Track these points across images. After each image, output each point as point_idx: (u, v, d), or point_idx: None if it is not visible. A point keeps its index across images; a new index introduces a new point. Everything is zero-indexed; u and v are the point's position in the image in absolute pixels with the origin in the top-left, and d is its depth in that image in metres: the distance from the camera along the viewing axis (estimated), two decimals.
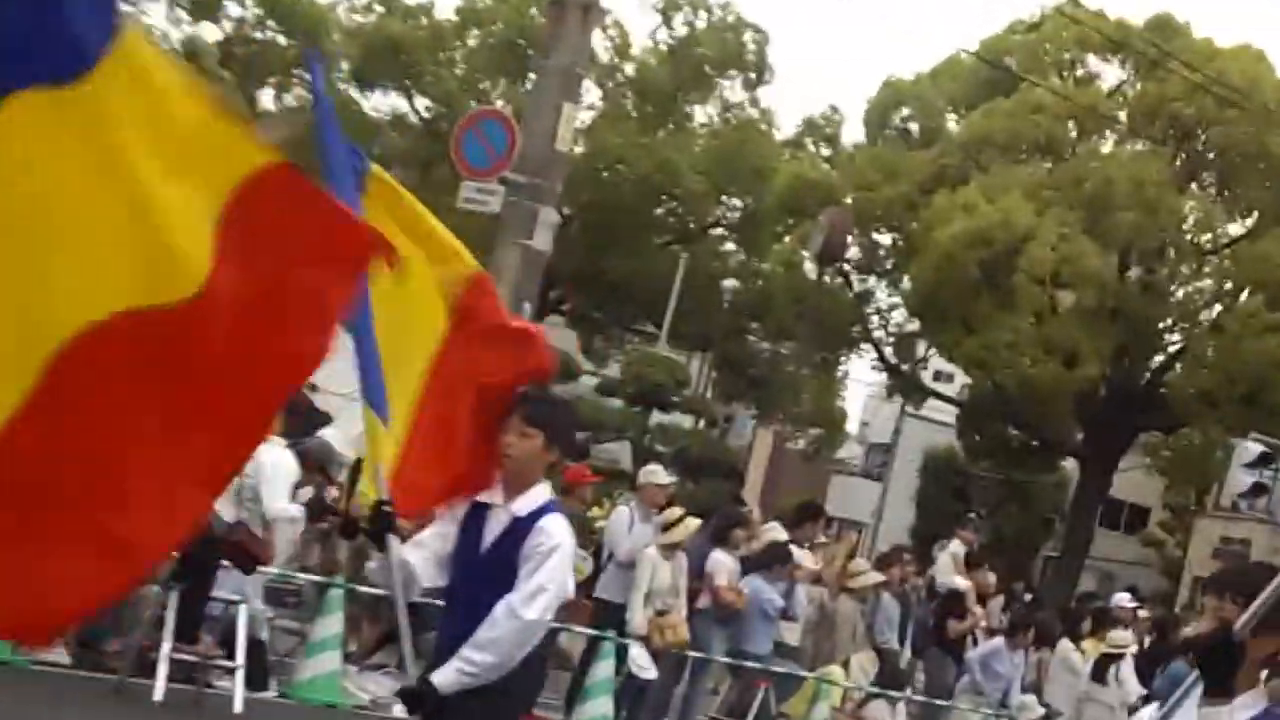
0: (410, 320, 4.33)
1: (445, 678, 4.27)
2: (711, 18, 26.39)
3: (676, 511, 11.02)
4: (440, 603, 4.68)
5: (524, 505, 4.38)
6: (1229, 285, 25.29)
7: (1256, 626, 2.84)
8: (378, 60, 26.77)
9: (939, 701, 11.43)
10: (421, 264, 4.27)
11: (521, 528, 4.39)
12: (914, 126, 28.18)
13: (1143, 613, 14.94)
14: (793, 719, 10.75)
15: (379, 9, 26.18)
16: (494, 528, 4.43)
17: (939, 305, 24.96)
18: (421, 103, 27.90)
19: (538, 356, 4.56)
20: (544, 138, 13.80)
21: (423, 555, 4.42)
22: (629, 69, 28.95)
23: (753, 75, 28.81)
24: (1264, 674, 3.13)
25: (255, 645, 9.21)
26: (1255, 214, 25.60)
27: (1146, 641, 13.66)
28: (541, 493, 4.48)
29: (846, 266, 27.47)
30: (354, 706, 10.03)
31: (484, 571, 4.50)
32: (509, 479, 4.40)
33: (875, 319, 28.64)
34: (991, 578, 13.15)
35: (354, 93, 27.31)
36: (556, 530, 4.39)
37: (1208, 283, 26.15)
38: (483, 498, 4.43)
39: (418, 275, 4.23)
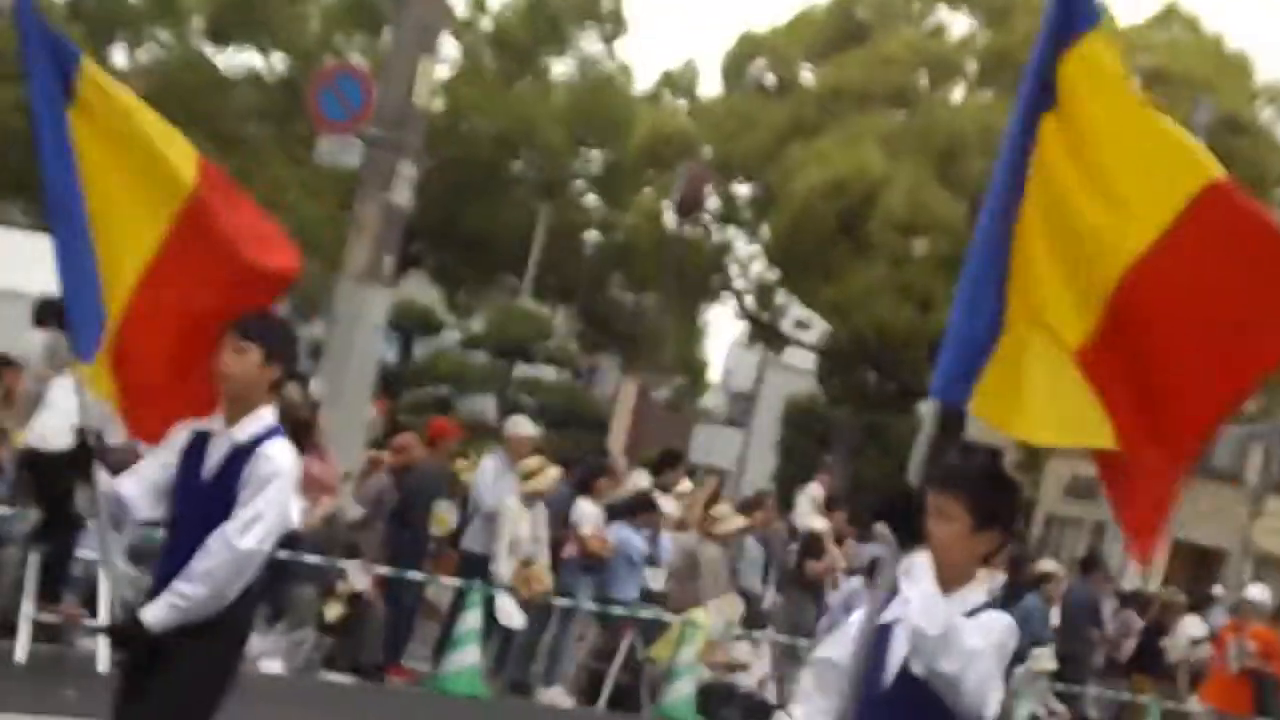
0: (121, 230, 4.09)
1: (155, 614, 4.15)
2: None
3: (535, 461, 11.16)
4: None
5: (245, 430, 4.25)
6: None
7: (979, 524, 3.09)
8: (232, 16, 26.22)
9: (801, 641, 11.72)
10: (130, 173, 4.00)
11: (242, 454, 4.27)
12: (770, 78, 28.40)
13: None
14: (659, 663, 11.00)
15: None
16: (214, 455, 4.29)
17: (798, 254, 25.65)
18: (278, 58, 27.24)
19: (268, 273, 4.16)
20: (401, 92, 13.77)
21: (140, 486, 4.27)
22: (486, 23, 28.77)
23: (609, 27, 28.53)
24: (981, 570, 3.38)
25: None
26: None
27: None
28: (264, 416, 4.36)
29: (706, 217, 27.98)
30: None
31: (205, 502, 4.33)
32: (229, 402, 4.28)
33: (735, 269, 29.22)
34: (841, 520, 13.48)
35: (209, 49, 26.88)
36: (278, 455, 4.28)
37: None
38: (203, 425, 4.32)
39: (125, 187, 4.03)
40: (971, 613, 3.16)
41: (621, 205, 29.34)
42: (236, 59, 27.72)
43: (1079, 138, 2.97)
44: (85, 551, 9.15)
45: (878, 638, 3.25)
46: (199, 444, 4.26)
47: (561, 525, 11.47)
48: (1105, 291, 2.91)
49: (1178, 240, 2.85)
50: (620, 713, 11.50)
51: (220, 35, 26.91)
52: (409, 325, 24.62)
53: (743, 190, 29.40)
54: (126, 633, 4.22)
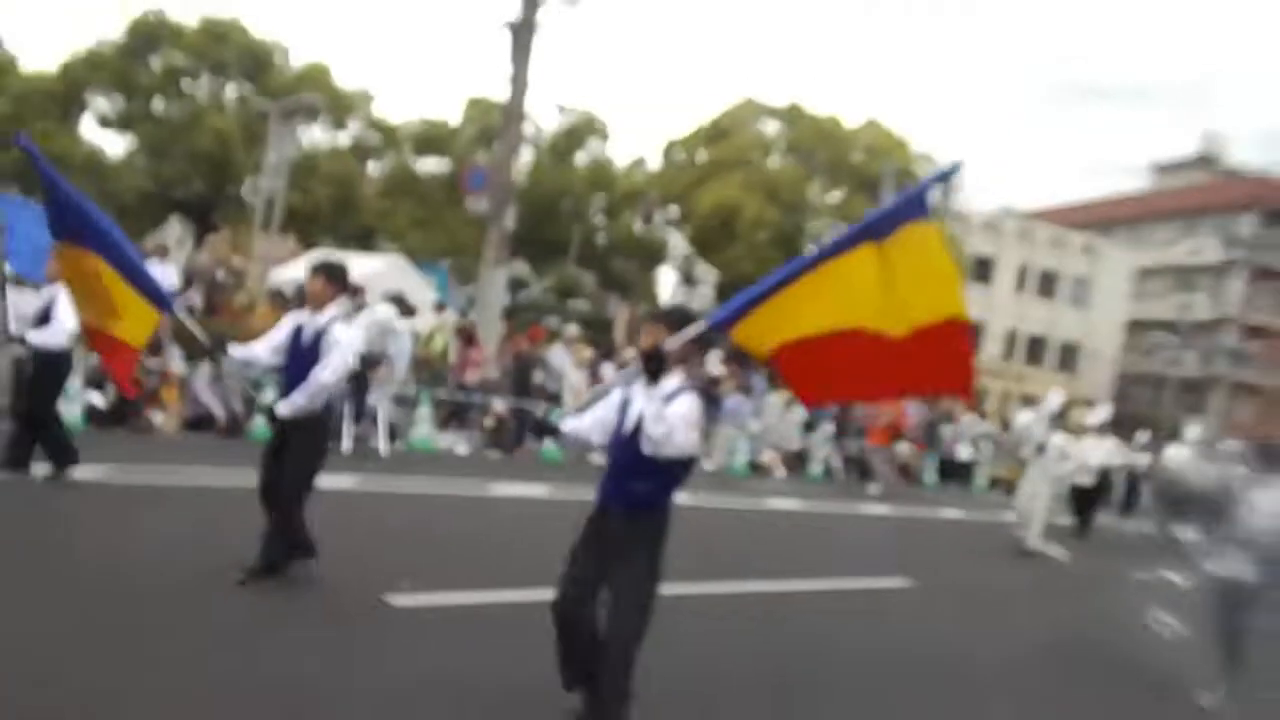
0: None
1: (282, 409, 6.23)
2: None
3: (583, 346, 17.43)
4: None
5: (321, 320, 6.25)
6: None
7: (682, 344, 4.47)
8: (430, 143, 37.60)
9: None
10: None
11: (321, 331, 6.25)
12: (684, 155, 40.56)
13: None
14: None
15: None
16: (308, 331, 6.29)
17: (702, 239, 38.34)
18: (445, 161, 37.85)
19: None
20: (506, 174, 18.89)
21: (266, 350, 6.40)
22: (543, 138, 39.21)
23: (603, 134, 39.47)
24: (678, 370, 4.59)
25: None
26: None
27: None
28: (330, 310, 6.32)
29: (655, 223, 41.01)
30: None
31: (304, 355, 6.26)
32: (312, 305, 6.38)
33: (670, 247, 40.70)
34: None
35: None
36: (340, 333, 6.24)
37: None
38: (299, 317, 6.38)
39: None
40: (670, 395, 4.46)
41: (617, 220, 40.27)
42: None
43: (896, 259, 4.24)
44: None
45: (622, 406, 4.69)
46: (299, 327, 6.31)
47: (595, 380, 15.35)
48: (835, 327, 4.33)
49: (925, 332, 4.28)
50: None
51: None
52: (514, 284, 31.44)
53: (673, 210, 40.25)
54: (272, 413, 6.30)
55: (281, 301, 14.85)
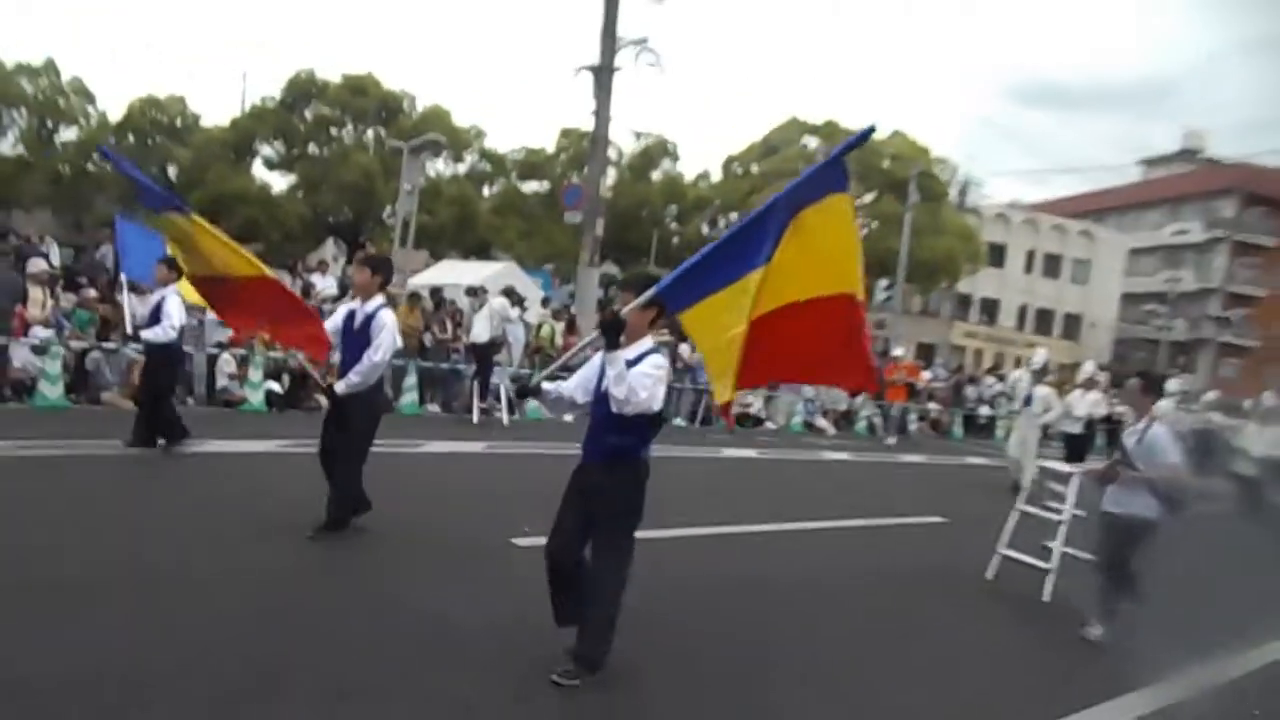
0: None
1: (339, 387, 6.07)
2: None
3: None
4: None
5: (369, 306, 6.00)
6: None
7: (642, 304, 4.14)
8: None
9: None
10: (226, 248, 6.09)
11: (370, 316, 6.03)
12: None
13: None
14: None
15: None
16: (359, 317, 6.03)
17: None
18: (542, 185, 38.06)
19: None
20: (595, 190, 18.80)
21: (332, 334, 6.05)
22: (623, 160, 38.96)
23: (673, 155, 39.66)
24: (649, 333, 4.27)
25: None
26: None
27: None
28: (378, 299, 6.09)
29: None
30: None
31: (356, 338, 6.02)
32: (361, 294, 6.08)
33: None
34: None
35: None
36: (387, 317, 5.97)
37: None
38: (353, 305, 6.10)
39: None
40: (639, 357, 4.19)
41: (688, 225, 39.58)
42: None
43: (814, 227, 3.84)
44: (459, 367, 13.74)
45: (601, 369, 4.33)
46: (351, 313, 6.09)
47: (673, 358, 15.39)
48: (769, 308, 3.86)
49: (820, 305, 3.85)
50: None
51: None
52: (606, 281, 25.45)
53: (733, 216, 41.54)
54: (331, 392, 6.13)
55: (416, 301, 15.32)
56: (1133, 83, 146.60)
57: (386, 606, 5.10)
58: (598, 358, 4.35)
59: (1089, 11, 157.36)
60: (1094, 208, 59.64)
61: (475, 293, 14.86)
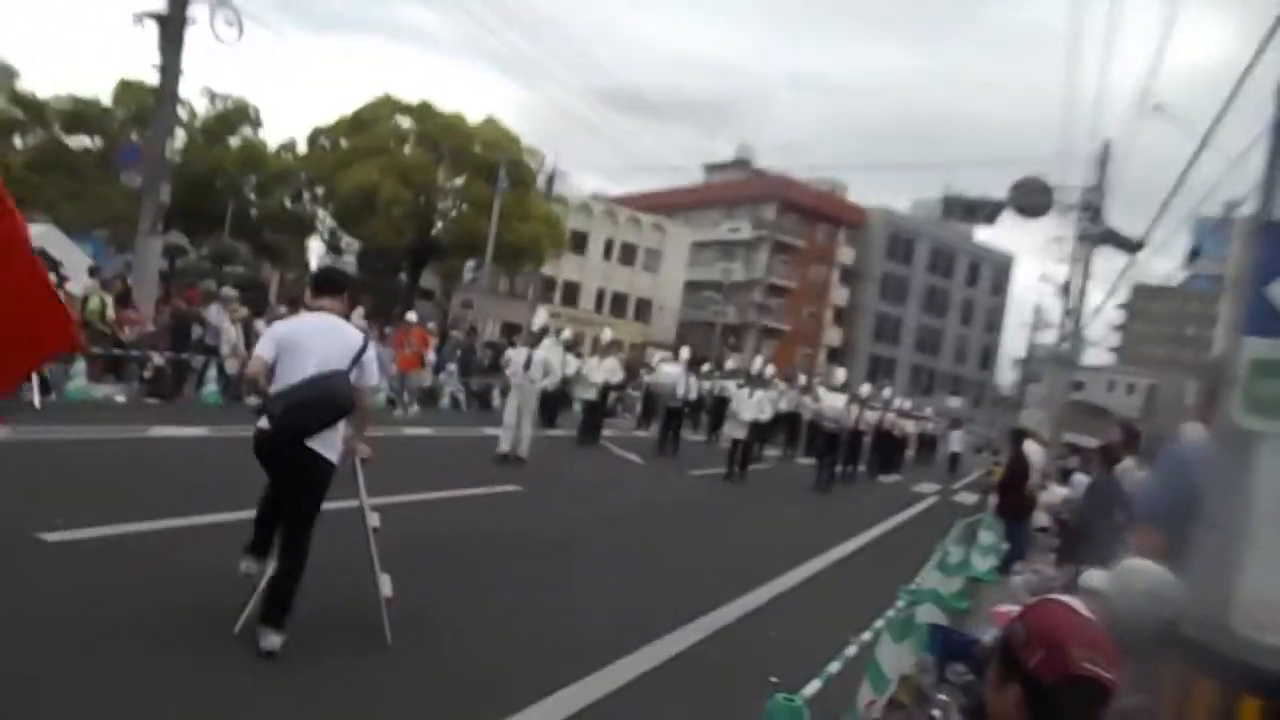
0: None
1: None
2: None
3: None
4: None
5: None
6: None
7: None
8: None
9: None
10: None
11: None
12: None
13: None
14: None
15: None
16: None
17: (348, 214, 37.70)
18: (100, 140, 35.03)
19: None
20: (159, 150, 17.51)
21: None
22: (195, 120, 37.45)
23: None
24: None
25: None
26: None
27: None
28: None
29: None
30: None
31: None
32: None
33: (319, 225, 41.51)
34: None
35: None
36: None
37: None
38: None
39: None
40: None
41: (269, 196, 43.54)
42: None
43: None
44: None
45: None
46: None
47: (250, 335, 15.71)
48: None
49: None
50: None
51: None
52: (172, 251, 34.20)
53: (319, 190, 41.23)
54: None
55: None
56: (704, 98, 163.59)
57: None
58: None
59: (673, 34, 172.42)
60: (665, 204, 66.04)
61: None
